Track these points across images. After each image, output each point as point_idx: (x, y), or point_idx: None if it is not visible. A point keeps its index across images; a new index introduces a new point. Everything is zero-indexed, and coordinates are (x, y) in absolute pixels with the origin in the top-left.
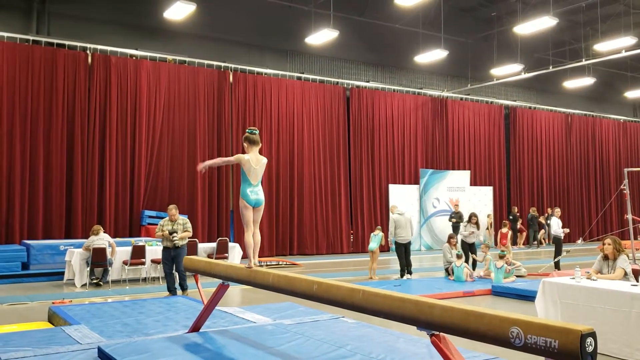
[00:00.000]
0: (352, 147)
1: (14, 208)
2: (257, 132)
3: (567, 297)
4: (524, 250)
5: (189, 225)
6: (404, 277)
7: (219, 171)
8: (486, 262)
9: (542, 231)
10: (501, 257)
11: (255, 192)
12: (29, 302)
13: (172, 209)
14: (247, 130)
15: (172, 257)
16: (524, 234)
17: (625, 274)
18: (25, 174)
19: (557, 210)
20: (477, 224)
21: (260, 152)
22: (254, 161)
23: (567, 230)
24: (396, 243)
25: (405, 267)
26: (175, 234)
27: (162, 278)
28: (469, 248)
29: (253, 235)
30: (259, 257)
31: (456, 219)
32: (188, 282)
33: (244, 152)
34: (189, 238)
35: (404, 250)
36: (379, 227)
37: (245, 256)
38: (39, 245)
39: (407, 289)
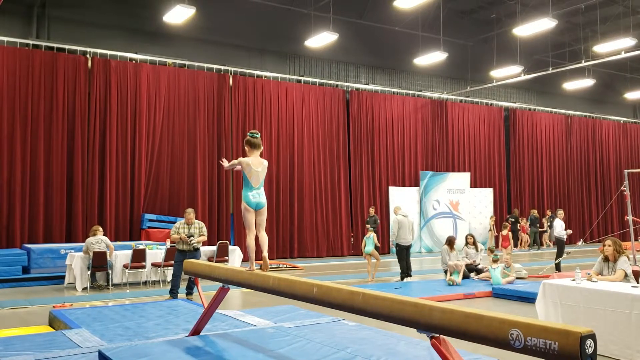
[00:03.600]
0: (352, 149)
1: (14, 212)
2: (259, 135)
3: (568, 298)
4: (525, 252)
5: (205, 229)
6: (404, 280)
7: (219, 174)
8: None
9: (546, 234)
10: (494, 260)
11: (256, 195)
12: (30, 306)
13: (191, 212)
14: (248, 133)
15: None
16: (524, 235)
17: (626, 275)
18: (25, 178)
19: (560, 212)
20: (474, 244)
21: (261, 155)
22: (255, 164)
23: (569, 231)
24: (398, 245)
25: (406, 269)
26: (193, 237)
27: (163, 281)
28: (474, 269)
29: (259, 236)
30: (270, 259)
31: (370, 223)
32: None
33: (244, 156)
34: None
35: (405, 254)
36: (370, 228)
37: (246, 259)
38: (40, 249)
39: (407, 292)
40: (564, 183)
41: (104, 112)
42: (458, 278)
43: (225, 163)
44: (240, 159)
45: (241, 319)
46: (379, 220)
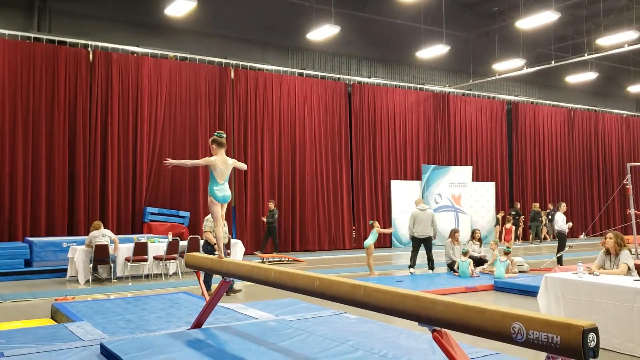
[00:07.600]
0: (354, 143)
1: (16, 205)
2: (224, 135)
3: (570, 292)
4: (526, 246)
5: None
6: (411, 272)
7: None
8: (493, 257)
9: (545, 228)
10: (506, 253)
11: (222, 190)
12: (32, 299)
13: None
14: (215, 133)
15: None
16: (523, 229)
17: (629, 269)
18: (27, 171)
19: (563, 205)
20: (480, 240)
21: (228, 154)
22: (221, 162)
23: (570, 224)
24: (412, 237)
25: (415, 261)
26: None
27: (165, 274)
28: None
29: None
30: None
31: (269, 217)
32: (189, 278)
33: (211, 155)
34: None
35: (419, 245)
36: (372, 221)
37: (247, 252)
38: (42, 242)
39: (409, 285)
40: (566, 176)
41: (105, 105)
42: (467, 270)
43: (170, 161)
44: (207, 158)
45: (243, 312)
46: (276, 215)
